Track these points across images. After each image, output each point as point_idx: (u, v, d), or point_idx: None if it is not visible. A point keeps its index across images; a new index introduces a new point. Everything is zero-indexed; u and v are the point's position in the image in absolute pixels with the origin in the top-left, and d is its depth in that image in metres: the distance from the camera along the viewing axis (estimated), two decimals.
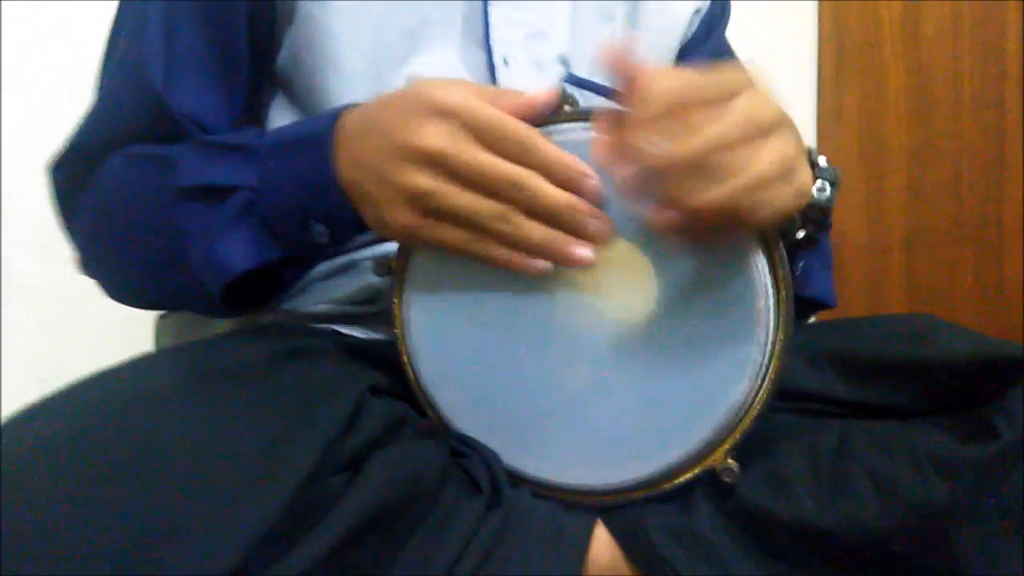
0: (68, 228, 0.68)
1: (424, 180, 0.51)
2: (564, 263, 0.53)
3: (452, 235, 0.53)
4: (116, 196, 0.63)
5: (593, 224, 0.53)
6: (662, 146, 0.49)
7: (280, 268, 0.61)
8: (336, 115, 0.55)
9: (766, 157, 0.50)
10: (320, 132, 0.55)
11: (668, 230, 0.51)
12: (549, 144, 0.52)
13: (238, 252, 0.57)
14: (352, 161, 0.54)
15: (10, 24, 1.06)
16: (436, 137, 0.50)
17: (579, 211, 0.52)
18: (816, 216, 0.55)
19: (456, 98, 0.51)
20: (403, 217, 0.53)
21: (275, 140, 0.57)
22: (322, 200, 0.55)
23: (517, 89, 0.54)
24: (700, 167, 0.49)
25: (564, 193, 0.52)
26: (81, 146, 0.67)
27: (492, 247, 0.53)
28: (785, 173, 0.51)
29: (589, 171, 0.52)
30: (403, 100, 0.53)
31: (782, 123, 0.52)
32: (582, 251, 0.53)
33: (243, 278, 0.58)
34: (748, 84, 0.51)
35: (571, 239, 0.53)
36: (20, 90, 1.07)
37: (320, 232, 0.57)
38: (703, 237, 0.52)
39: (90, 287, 0.70)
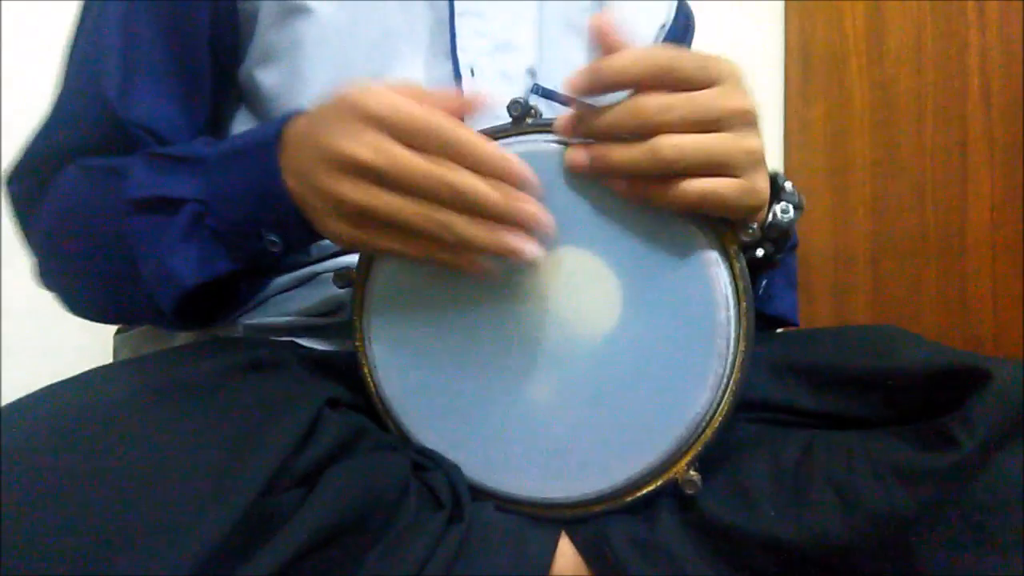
0: (27, 240, 0.67)
1: (353, 191, 0.50)
2: (510, 257, 0.51)
3: (393, 243, 0.51)
4: (69, 208, 0.62)
5: (534, 217, 0.51)
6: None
7: (235, 281, 0.60)
8: (283, 121, 0.54)
9: (741, 143, 0.52)
10: (266, 139, 0.54)
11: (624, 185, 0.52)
12: (481, 140, 0.50)
13: (188, 266, 0.56)
14: (294, 170, 0.53)
15: (9, 32, 1.05)
16: (363, 146, 0.49)
17: (517, 206, 0.50)
18: (776, 236, 0.56)
19: (383, 104, 0.49)
20: (341, 228, 0.52)
21: (224, 150, 0.56)
22: (272, 210, 0.54)
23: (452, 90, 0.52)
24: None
25: (499, 188, 0.50)
26: (37, 156, 0.65)
27: (436, 251, 0.51)
28: (751, 164, 0.53)
29: (523, 170, 0.50)
30: (335, 109, 0.51)
31: (756, 120, 0.53)
32: (527, 246, 0.51)
33: (198, 292, 0.57)
34: (731, 74, 0.53)
35: (513, 235, 0.50)
36: (18, 100, 1.05)
37: (272, 241, 0.56)
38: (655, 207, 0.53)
39: None
